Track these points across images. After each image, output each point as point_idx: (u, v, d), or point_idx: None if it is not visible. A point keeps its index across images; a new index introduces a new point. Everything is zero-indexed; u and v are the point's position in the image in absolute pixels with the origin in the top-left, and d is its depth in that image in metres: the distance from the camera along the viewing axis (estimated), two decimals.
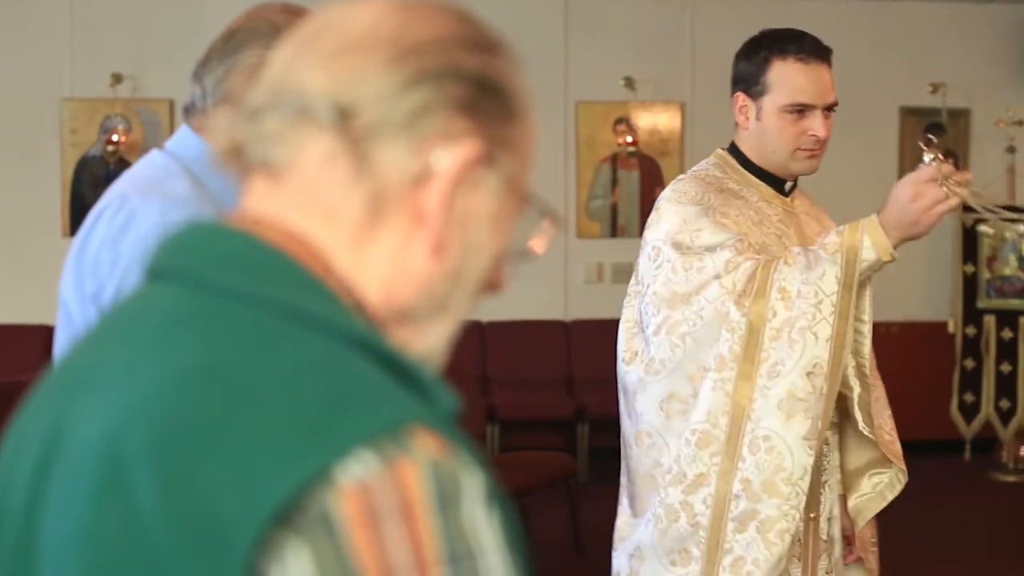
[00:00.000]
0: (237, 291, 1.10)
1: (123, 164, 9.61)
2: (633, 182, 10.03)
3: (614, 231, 9.99)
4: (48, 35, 9.67)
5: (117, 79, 9.54)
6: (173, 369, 1.06)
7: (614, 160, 10.06)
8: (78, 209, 9.63)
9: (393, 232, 1.14)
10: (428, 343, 1.18)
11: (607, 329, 10.46)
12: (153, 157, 2.43)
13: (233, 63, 2.33)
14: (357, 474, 0.98)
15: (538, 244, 1.27)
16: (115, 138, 9.60)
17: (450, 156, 1.13)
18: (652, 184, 9.96)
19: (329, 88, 1.13)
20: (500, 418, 9.05)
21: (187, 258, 1.14)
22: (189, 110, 2.41)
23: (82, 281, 2.30)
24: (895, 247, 2.95)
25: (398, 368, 1.08)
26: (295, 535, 0.97)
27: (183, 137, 2.42)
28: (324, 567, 0.96)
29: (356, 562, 0.97)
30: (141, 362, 1.08)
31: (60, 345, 2.38)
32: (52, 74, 9.65)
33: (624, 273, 9.76)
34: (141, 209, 2.28)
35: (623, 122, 10.06)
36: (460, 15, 1.20)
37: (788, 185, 3.30)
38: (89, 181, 9.65)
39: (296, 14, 2.23)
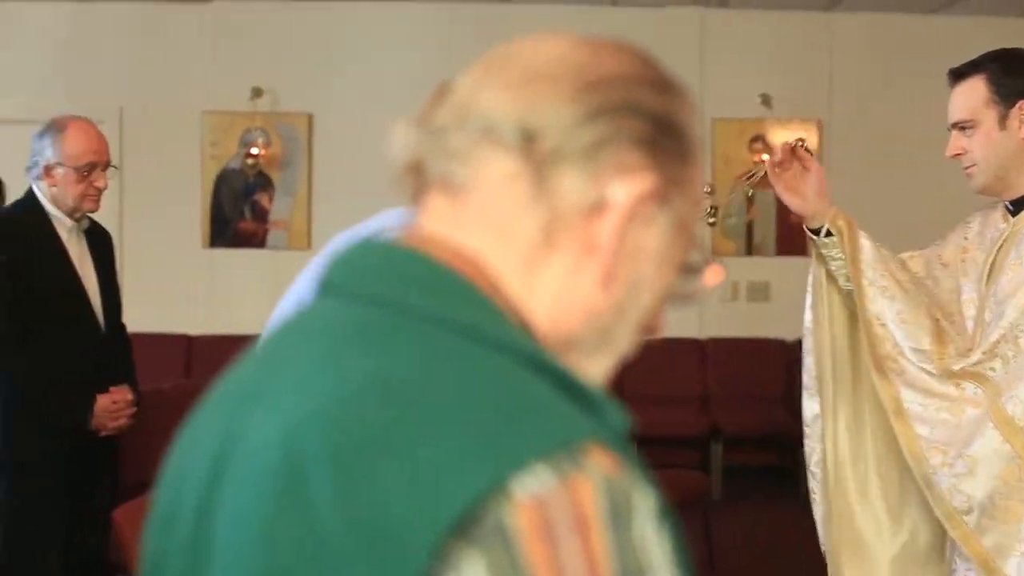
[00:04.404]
0: (409, 307, 1.12)
1: (262, 177, 9.78)
2: (769, 200, 9.94)
3: (749, 250, 9.89)
4: (189, 50, 9.86)
5: (257, 93, 9.71)
6: (351, 379, 1.07)
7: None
8: (218, 221, 9.81)
9: (564, 259, 1.15)
10: (588, 375, 1.18)
11: (742, 348, 10.37)
12: None
13: None
14: (533, 488, 0.99)
15: (703, 288, 1.28)
16: (254, 151, 9.76)
17: (627, 189, 1.14)
18: None
19: (515, 111, 1.15)
20: (635, 435, 9.01)
21: (359, 275, 1.17)
22: None
23: None
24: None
25: (569, 386, 1.09)
26: (471, 545, 0.97)
27: None
28: None
29: (530, 574, 0.97)
30: (317, 372, 1.10)
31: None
32: (193, 88, 9.84)
33: (759, 292, 9.68)
34: None
35: (759, 139, 9.99)
36: (643, 56, 1.21)
37: (1010, 204, 3.31)
38: (228, 194, 9.82)
39: None
